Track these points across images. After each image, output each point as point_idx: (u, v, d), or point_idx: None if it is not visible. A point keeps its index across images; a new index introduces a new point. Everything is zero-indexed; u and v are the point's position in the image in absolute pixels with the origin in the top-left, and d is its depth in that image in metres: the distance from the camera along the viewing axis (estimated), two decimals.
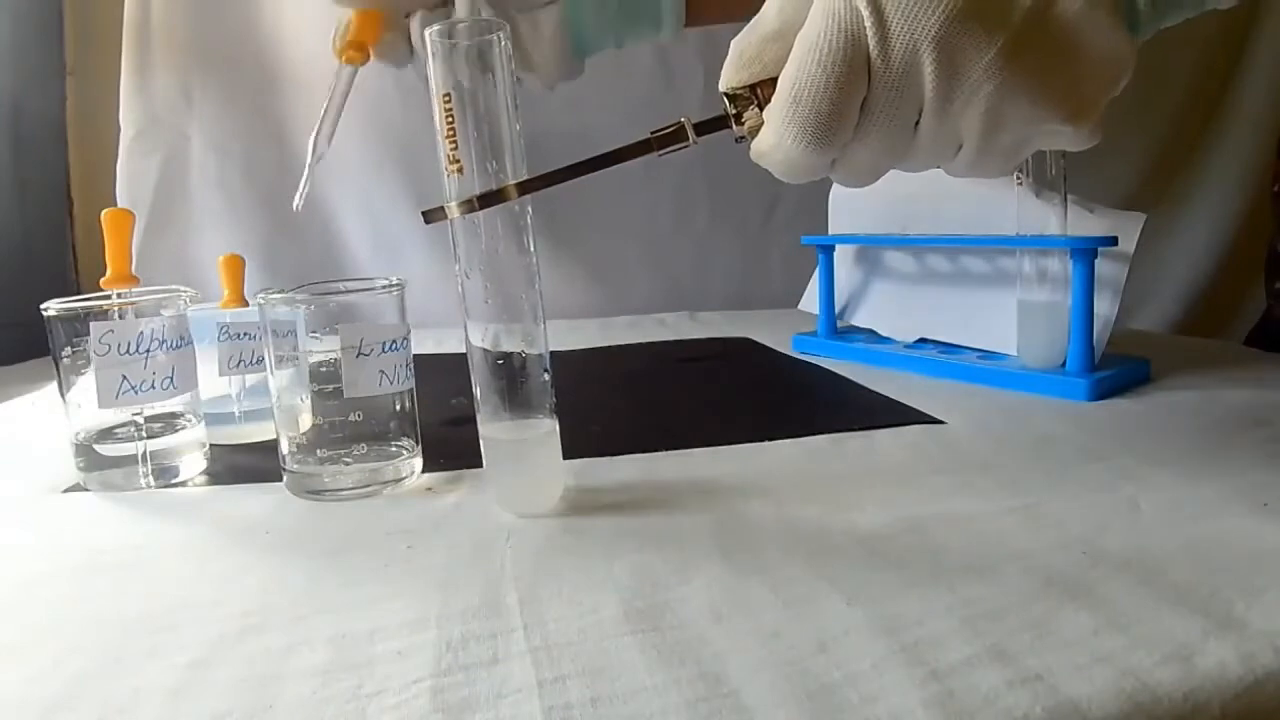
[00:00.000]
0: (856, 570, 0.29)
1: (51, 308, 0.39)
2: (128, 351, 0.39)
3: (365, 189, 0.96)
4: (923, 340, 0.65)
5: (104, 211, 0.45)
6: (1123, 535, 0.32)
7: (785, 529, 0.33)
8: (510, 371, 0.34)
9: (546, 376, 0.35)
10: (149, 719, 0.22)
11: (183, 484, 0.41)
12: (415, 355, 0.40)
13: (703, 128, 0.32)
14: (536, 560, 0.31)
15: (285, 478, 0.39)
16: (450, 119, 0.32)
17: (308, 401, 0.38)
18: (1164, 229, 1.12)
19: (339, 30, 0.47)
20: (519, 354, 0.34)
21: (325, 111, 0.48)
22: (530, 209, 0.34)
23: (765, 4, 0.32)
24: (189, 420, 0.43)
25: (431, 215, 0.34)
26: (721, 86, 0.32)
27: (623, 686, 0.23)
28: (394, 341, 0.38)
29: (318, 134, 0.47)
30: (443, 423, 0.48)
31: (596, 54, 0.49)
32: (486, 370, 0.34)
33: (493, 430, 0.35)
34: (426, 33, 0.32)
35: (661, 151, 0.32)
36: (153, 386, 0.40)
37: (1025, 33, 0.28)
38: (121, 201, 0.90)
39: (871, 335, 0.69)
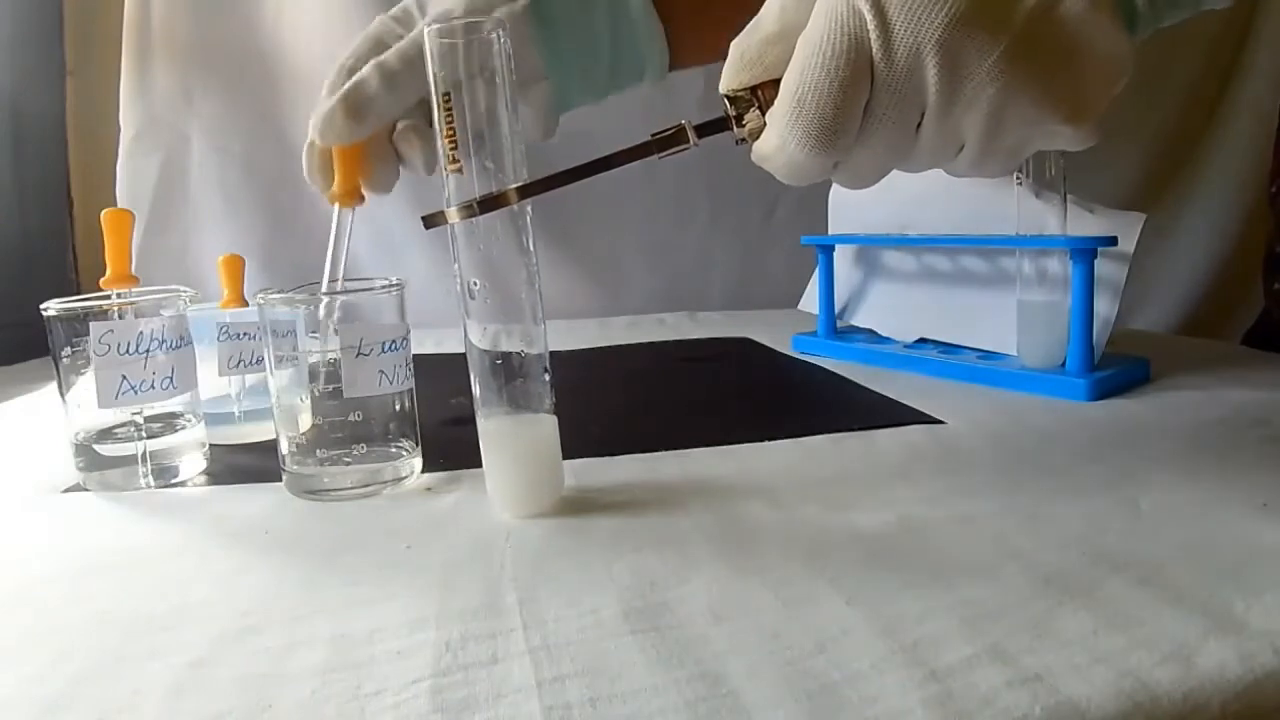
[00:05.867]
0: (856, 570, 0.29)
1: (51, 308, 0.39)
2: (127, 351, 0.39)
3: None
4: (923, 340, 0.65)
5: (104, 211, 0.45)
6: (1123, 535, 0.32)
7: (785, 529, 0.33)
8: (509, 371, 0.34)
9: (547, 376, 0.35)
10: (149, 719, 0.22)
11: (182, 484, 0.41)
12: (415, 355, 0.40)
13: (703, 130, 0.32)
14: (536, 560, 0.31)
15: (285, 478, 0.39)
16: (450, 118, 0.32)
17: (307, 401, 0.38)
18: (1164, 229, 1.12)
19: (312, 161, 0.42)
20: (518, 354, 0.34)
21: (330, 260, 0.42)
22: (530, 210, 0.34)
23: (765, 5, 0.32)
24: (189, 420, 0.43)
25: (431, 220, 0.34)
26: (722, 88, 0.32)
27: (622, 686, 0.23)
28: (394, 341, 0.38)
29: (327, 282, 0.42)
30: (443, 423, 0.48)
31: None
32: (486, 370, 0.34)
33: (492, 430, 0.35)
34: (426, 32, 0.32)
35: (662, 154, 0.32)
36: (152, 386, 0.40)
37: (1028, 34, 0.28)
38: (121, 201, 0.90)
39: (871, 335, 0.69)
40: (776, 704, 0.22)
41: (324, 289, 0.40)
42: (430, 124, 0.39)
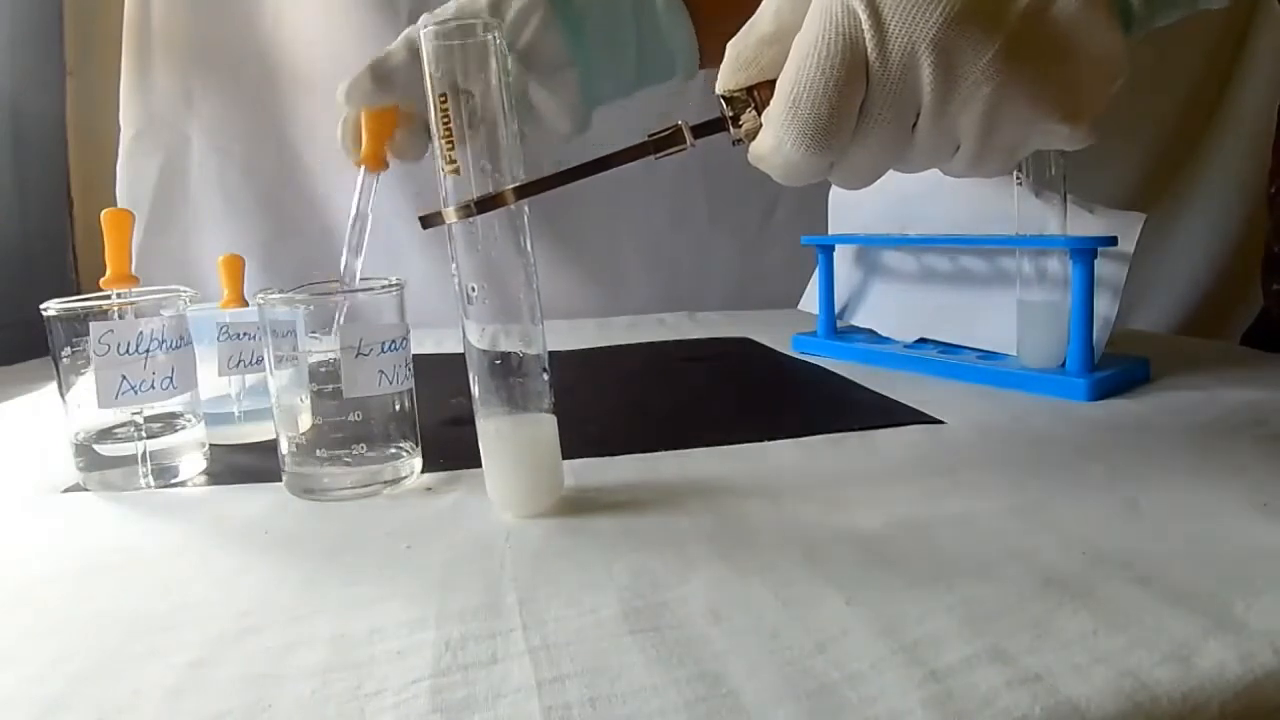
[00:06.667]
0: (856, 570, 0.29)
1: (51, 308, 0.39)
2: (127, 351, 0.39)
3: None
4: (923, 340, 0.65)
5: (104, 211, 0.45)
6: (1122, 535, 0.32)
7: (785, 529, 0.33)
8: (508, 371, 0.34)
9: (545, 376, 0.35)
10: (149, 719, 0.22)
11: (182, 484, 0.41)
12: (415, 355, 0.40)
13: (700, 130, 0.32)
14: (536, 560, 0.31)
15: (285, 478, 0.39)
16: (446, 119, 0.32)
17: (307, 401, 0.38)
18: (1164, 229, 1.12)
19: (345, 129, 0.43)
20: (517, 354, 0.34)
21: (352, 224, 0.43)
22: (527, 210, 0.34)
23: (761, 6, 0.32)
24: (189, 420, 0.43)
25: (429, 220, 0.34)
26: (718, 89, 0.32)
27: (622, 686, 0.23)
28: (393, 341, 0.38)
29: (347, 249, 0.43)
30: (442, 423, 0.48)
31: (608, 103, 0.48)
32: (485, 370, 0.34)
33: (492, 430, 0.35)
34: (421, 33, 0.32)
35: (659, 154, 0.32)
36: (152, 386, 0.40)
37: (1022, 34, 0.28)
38: (121, 201, 0.90)
39: (871, 335, 0.69)
40: (776, 704, 0.22)
41: (345, 253, 0.42)
42: None
